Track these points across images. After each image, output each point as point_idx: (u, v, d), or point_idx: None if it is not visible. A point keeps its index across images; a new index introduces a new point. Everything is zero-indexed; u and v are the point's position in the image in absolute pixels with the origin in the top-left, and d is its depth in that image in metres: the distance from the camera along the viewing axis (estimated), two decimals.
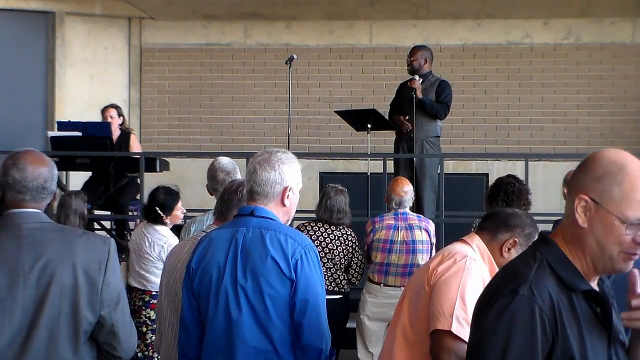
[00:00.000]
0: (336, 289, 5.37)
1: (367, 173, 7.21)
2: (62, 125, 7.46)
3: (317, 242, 5.29)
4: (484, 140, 9.61)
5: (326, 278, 5.23)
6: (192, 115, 10.04)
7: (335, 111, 7.86)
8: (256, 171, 2.77)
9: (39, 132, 9.07)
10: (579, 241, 1.87)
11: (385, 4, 9.20)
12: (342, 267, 5.43)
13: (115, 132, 7.44)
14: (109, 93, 9.53)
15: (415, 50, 7.23)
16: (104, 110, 7.66)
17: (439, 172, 6.96)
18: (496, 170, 9.04)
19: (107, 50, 9.96)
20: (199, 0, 9.30)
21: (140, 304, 5.17)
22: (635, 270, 1.86)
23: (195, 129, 10.01)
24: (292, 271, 2.67)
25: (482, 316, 1.86)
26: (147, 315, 5.12)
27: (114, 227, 7.67)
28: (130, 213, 7.47)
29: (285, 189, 2.77)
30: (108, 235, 5.58)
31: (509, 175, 4.81)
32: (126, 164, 7.20)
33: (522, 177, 5.36)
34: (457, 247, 2.93)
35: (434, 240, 5.51)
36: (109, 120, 7.47)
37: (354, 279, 5.52)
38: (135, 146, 7.61)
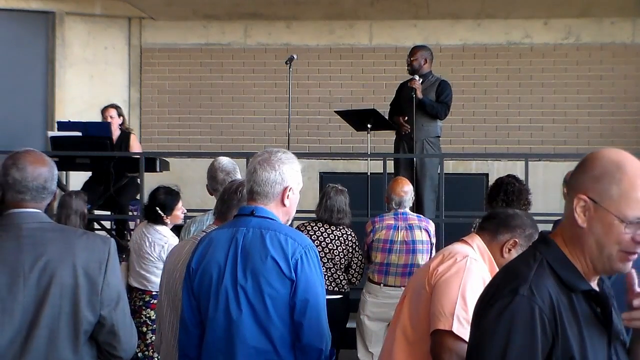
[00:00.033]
0: (336, 289, 5.37)
1: (367, 173, 7.21)
2: (62, 125, 7.46)
3: (317, 242, 5.29)
4: (484, 140, 9.61)
5: (326, 278, 5.23)
6: (192, 115, 10.04)
7: (335, 111, 7.86)
8: (256, 171, 2.77)
9: (39, 132, 9.07)
10: (579, 241, 1.87)
11: (385, 4, 9.20)
12: (342, 267, 5.43)
13: (115, 132, 7.45)
14: (109, 93, 9.53)
15: (415, 50, 7.23)
16: (104, 110, 7.66)
17: (439, 172, 6.96)
18: (496, 170, 9.04)
19: (107, 50, 9.96)
20: (199, 0, 9.30)
21: (140, 304, 5.17)
22: (633, 271, 1.86)
23: (195, 129, 10.01)
24: (292, 271, 2.67)
25: (482, 316, 1.86)
26: (148, 315, 5.12)
27: (114, 227, 7.67)
28: (130, 213, 7.47)
29: (285, 189, 2.77)
30: (108, 235, 5.58)
31: (509, 175, 4.81)
32: (126, 164, 7.20)
33: (522, 177, 5.36)
34: (458, 247, 2.93)
35: (434, 240, 5.51)
36: (109, 120, 7.47)
37: (354, 279, 5.52)
38: (135, 146, 7.61)
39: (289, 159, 2.80)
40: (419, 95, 6.87)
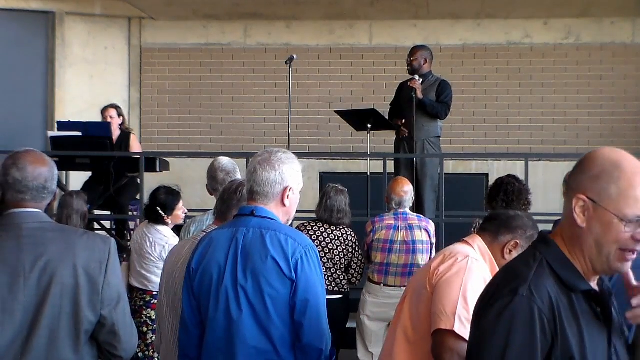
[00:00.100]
0: (336, 289, 5.37)
1: (367, 173, 7.21)
2: (62, 125, 7.46)
3: (317, 242, 5.29)
4: (484, 140, 9.61)
5: (326, 278, 5.23)
6: (192, 115, 10.04)
7: (335, 111, 7.86)
8: (256, 171, 2.77)
9: (39, 132, 9.07)
10: (578, 241, 1.87)
11: (385, 4, 9.20)
12: (342, 267, 5.43)
13: (115, 132, 7.45)
14: (109, 93, 9.53)
15: (415, 50, 7.23)
16: (103, 111, 7.66)
17: (439, 172, 6.96)
18: (496, 170, 9.04)
19: (107, 50, 9.96)
20: (199, 0, 9.30)
21: (141, 303, 5.18)
22: (629, 271, 1.86)
23: (195, 129, 10.01)
24: (293, 271, 2.67)
25: (482, 316, 1.87)
26: (148, 315, 5.12)
27: (114, 227, 7.67)
28: (130, 213, 7.47)
29: (285, 189, 2.78)
30: (108, 235, 5.58)
31: (509, 175, 4.81)
32: (126, 164, 7.20)
33: (522, 177, 5.36)
34: (459, 247, 2.93)
35: (434, 240, 5.51)
36: (109, 120, 7.48)
37: (354, 279, 5.52)
38: (135, 146, 7.61)
39: (289, 159, 2.80)
40: (419, 95, 6.87)
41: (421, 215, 5.75)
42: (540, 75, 9.63)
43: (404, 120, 7.00)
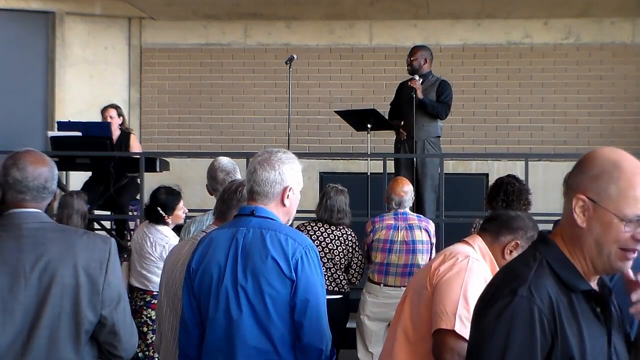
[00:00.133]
0: (336, 289, 5.37)
1: (367, 173, 7.21)
2: (62, 125, 7.46)
3: (317, 242, 5.29)
4: (484, 140, 9.61)
5: (326, 278, 5.23)
6: (192, 115, 10.04)
7: (335, 111, 7.86)
8: (256, 171, 2.77)
9: (39, 132, 9.07)
10: (578, 241, 1.87)
11: (385, 4, 9.20)
12: (342, 267, 5.43)
13: (115, 132, 7.45)
14: (109, 93, 9.53)
15: (415, 50, 7.23)
16: (103, 111, 7.66)
17: (439, 172, 6.96)
18: (496, 170, 9.04)
19: (107, 50, 9.96)
20: (199, 0, 9.30)
21: (141, 304, 5.17)
22: (630, 270, 1.87)
23: (195, 129, 10.01)
24: (293, 271, 2.67)
25: (482, 316, 1.87)
26: (148, 315, 5.12)
27: (114, 227, 7.67)
28: (130, 213, 7.47)
29: (285, 189, 2.78)
30: (108, 235, 5.58)
31: (509, 175, 4.81)
32: (126, 164, 7.20)
33: (522, 177, 5.36)
34: (459, 247, 2.93)
35: (434, 240, 5.51)
36: (109, 120, 7.48)
37: (354, 279, 5.52)
38: (135, 146, 7.61)
39: (289, 159, 2.81)
40: (420, 95, 6.87)
41: (421, 215, 5.75)
42: (540, 75, 9.63)
43: (402, 123, 7.01)
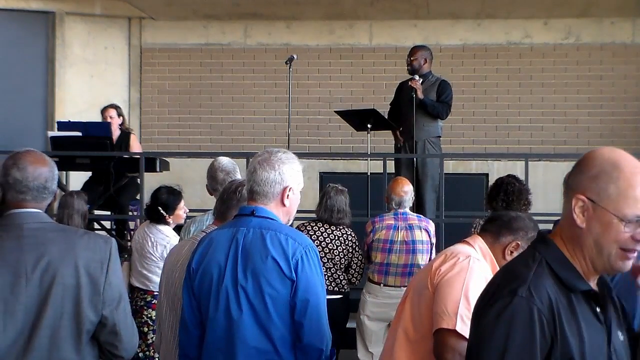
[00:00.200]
0: (336, 289, 5.37)
1: (367, 173, 7.21)
2: (62, 125, 7.46)
3: (317, 242, 5.29)
4: (484, 140, 9.61)
5: (326, 278, 5.23)
6: (192, 115, 10.04)
7: (335, 111, 7.86)
8: (256, 171, 2.77)
9: (39, 132, 9.07)
10: (578, 241, 1.87)
11: (385, 4, 9.20)
12: (342, 267, 5.43)
13: (115, 132, 7.45)
14: (109, 93, 9.54)
15: (415, 50, 7.23)
16: (103, 111, 7.66)
17: (439, 172, 6.96)
18: (496, 170, 9.04)
19: (107, 50, 9.96)
20: (199, 0, 9.30)
21: (142, 304, 5.18)
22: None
23: (195, 129, 10.01)
24: (293, 271, 2.67)
25: (482, 316, 1.87)
26: (149, 315, 5.12)
27: (114, 227, 7.67)
28: (130, 213, 7.47)
29: (285, 189, 2.77)
30: (109, 235, 5.59)
31: (509, 175, 4.82)
32: (126, 164, 7.20)
33: (522, 177, 5.37)
34: (460, 247, 2.94)
35: (434, 240, 5.51)
36: (109, 120, 7.48)
37: (354, 279, 5.52)
38: (135, 146, 7.61)
39: (289, 159, 2.81)
40: (420, 95, 6.87)
41: (421, 215, 5.75)
42: (540, 75, 9.63)
43: (401, 128, 7.02)
